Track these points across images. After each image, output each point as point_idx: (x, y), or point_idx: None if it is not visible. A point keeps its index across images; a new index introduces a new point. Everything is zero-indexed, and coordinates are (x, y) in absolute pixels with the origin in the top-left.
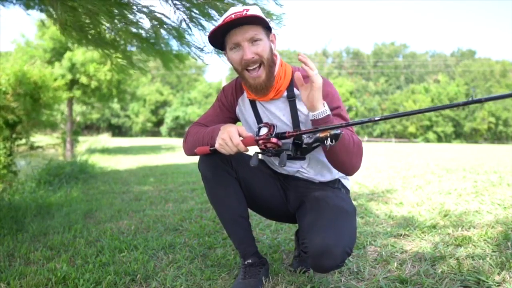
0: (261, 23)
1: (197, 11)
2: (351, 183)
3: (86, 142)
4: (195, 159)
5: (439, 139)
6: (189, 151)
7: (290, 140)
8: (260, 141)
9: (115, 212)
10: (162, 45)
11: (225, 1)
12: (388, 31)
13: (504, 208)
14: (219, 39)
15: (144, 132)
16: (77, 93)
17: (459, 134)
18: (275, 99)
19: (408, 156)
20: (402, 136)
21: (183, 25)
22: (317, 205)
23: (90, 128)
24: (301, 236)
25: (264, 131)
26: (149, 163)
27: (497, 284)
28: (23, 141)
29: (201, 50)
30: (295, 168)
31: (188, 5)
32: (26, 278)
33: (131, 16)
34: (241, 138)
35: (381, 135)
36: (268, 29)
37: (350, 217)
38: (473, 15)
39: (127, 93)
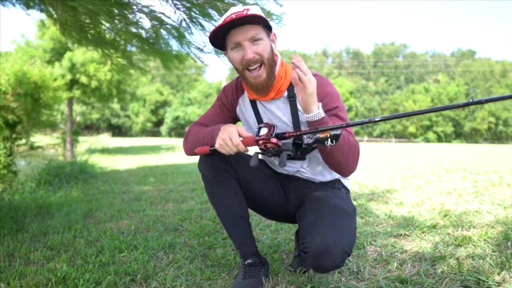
0: (262, 22)
1: (197, 11)
2: (351, 183)
3: (86, 142)
4: (195, 159)
5: (439, 139)
6: (189, 151)
7: (290, 140)
8: (260, 141)
9: (115, 212)
10: (163, 44)
11: (225, 1)
12: (388, 31)
13: (504, 208)
14: (219, 39)
15: (144, 132)
16: (77, 93)
17: (459, 134)
18: (275, 99)
19: (408, 156)
20: (402, 136)
21: (183, 25)
22: (317, 205)
23: (90, 128)
24: (301, 236)
25: (264, 131)
26: (149, 163)
27: (497, 284)
28: (23, 141)
29: (201, 50)
30: (295, 168)
31: (188, 5)
32: (26, 278)
33: (131, 16)
34: (241, 138)
35: (381, 135)
36: (268, 28)
37: (350, 217)
38: (473, 15)
39: (127, 93)
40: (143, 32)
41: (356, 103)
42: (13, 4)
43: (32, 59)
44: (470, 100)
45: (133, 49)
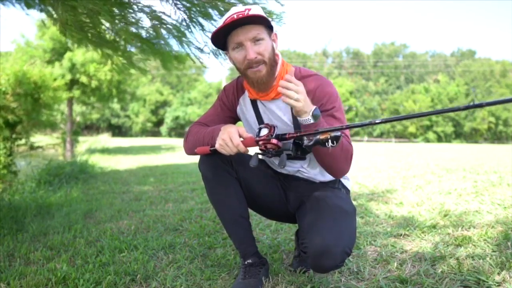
0: (263, 22)
1: (197, 11)
2: (351, 183)
3: (86, 142)
4: (195, 159)
5: (439, 139)
6: (190, 151)
7: (290, 140)
8: (260, 142)
9: (115, 212)
10: (162, 43)
11: (226, 1)
12: (388, 31)
13: (504, 208)
14: (221, 39)
15: (144, 132)
16: (77, 93)
17: (459, 134)
18: (276, 99)
19: (408, 156)
20: (402, 136)
21: (184, 24)
22: (317, 205)
23: (90, 128)
24: (301, 236)
25: (264, 132)
26: (149, 163)
27: (497, 284)
28: (23, 141)
29: (201, 50)
30: (295, 168)
31: (188, 5)
32: (26, 278)
33: (131, 16)
34: (242, 139)
35: (381, 135)
36: (270, 28)
37: (350, 217)
38: (473, 15)
39: (127, 93)
40: (143, 32)
41: (356, 103)
42: (13, 4)
43: (32, 59)
44: (472, 103)
45: (133, 49)
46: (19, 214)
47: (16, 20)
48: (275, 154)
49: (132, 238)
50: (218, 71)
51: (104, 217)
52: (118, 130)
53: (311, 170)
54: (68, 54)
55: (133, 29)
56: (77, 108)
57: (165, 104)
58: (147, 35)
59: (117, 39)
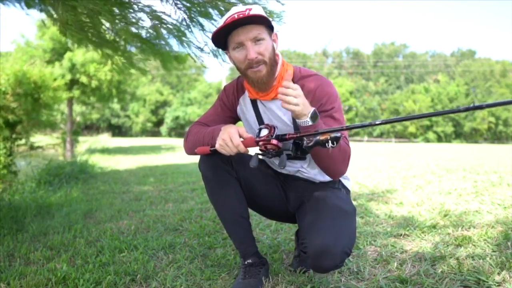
0: (264, 22)
1: (197, 11)
2: (351, 183)
3: (86, 142)
4: (195, 159)
5: (439, 139)
6: (190, 151)
7: (290, 140)
8: (260, 143)
9: (115, 212)
10: (163, 43)
11: (226, 1)
12: (388, 31)
13: (504, 208)
14: (222, 39)
15: (144, 132)
16: (76, 93)
17: (459, 134)
18: (276, 99)
19: (408, 156)
20: (402, 136)
21: (184, 24)
22: (317, 205)
23: (90, 128)
24: (301, 236)
25: (264, 132)
26: (149, 163)
27: (497, 284)
28: (23, 141)
29: (201, 50)
30: (295, 168)
31: (188, 4)
32: (26, 278)
33: (132, 15)
34: (242, 139)
35: (381, 135)
36: (270, 28)
37: (350, 217)
38: (473, 15)
39: (127, 93)
40: (143, 32)
41: (356, 103)
42: (13, 3)
43: (32, 59)
44: (472, 105)
45: (133, 49)
46: (19, 214)
47: (16, 20)
48: (275, 154)
49: (132, 238)
50: (218, 71)
51: (104, 217)
52: (118, 130)
53: (311, 170)
54: (68, 54)
55: (133, 29)
56: (77, 108)
57: (165, 104)
58: (147, 35)
59: (117, 39)
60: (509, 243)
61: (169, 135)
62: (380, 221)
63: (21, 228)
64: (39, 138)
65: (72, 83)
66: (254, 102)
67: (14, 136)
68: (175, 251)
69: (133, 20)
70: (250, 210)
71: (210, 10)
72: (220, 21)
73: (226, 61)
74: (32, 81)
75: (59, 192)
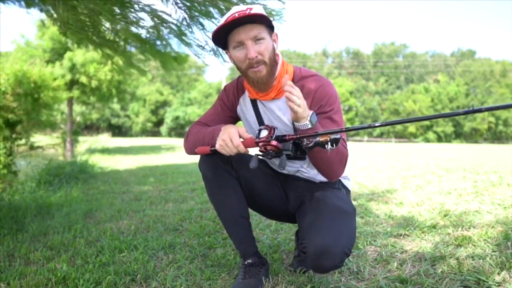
0: (265, 22)
1: (198, 10)
2: (351, 183)
3: (86, 142)
4: (195, 159)
5: (439, 139)
6: (190, 150)
7: (290, 141)
8: (260, 144)
9: (115, 212)
10: (164, 43)
11: (227, 0)
12: (388, 31)
13: (504, 208)
14: (222, 38)
15: (144, 132)
16: (76, 93)
17: (459, 134)
18: (276, 99)
19: (408, 156)
20: (402, 136)
21: (184, 23)
22: (317, 205)
23: (90, 128)
24: (301, 236)
25: (264, 133)
26: (149, 163)
27: (497, 284)
28: (23, 141)
29: (203, 48)
30: (295, 168)
31: (189, 4)
32: (26, 278)
33: (132, 15)
34: (242, 139)
35: (381, 135)
36: (271, 28)
37: (350, 217)
38: (473, 15)
39: (127, 93)
40: (143, 32)
41: (356, 103)
42: (13, 2)
43: (32, 59)
44: (471, 108)
45: (133, 49)
46: (19, 214)
47: (16, 20)
48: (275, 155)
49: (132, 238)
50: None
51: (104, 217)
52: (118, 130)
53: (311, 170)
54: (68, 54)
55: (134, 29)
56: (77, 108)
57: (165, 104)
58: (147, 35)
59: (117, 39)
60: (509, 243)
61: (169, 135)
62: (380, 221)
63: (21, 228)
64: (39, 138)
65: (72, 83)
66: (254, 102)
67: (14, 136)
68: (175, 251)
69: (134, 20)
70: (250, 210)
71: (211, 9)
72: (221, 20)
73: (226, 60)
74: (32, 81)
75: (59, 192)
